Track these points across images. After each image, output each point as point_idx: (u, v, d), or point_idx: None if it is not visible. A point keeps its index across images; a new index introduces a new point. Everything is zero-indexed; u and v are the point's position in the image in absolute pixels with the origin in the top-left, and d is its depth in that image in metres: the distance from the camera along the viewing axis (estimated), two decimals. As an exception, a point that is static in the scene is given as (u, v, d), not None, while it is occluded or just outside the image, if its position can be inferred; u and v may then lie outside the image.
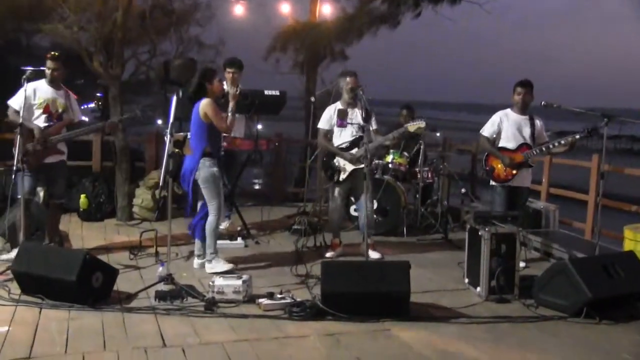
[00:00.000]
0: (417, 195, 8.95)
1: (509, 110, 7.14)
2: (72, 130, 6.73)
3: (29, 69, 6.56)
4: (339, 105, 7.19)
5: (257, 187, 12.60)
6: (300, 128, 12.54)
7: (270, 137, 10.30)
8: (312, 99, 9.20)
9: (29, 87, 6.50)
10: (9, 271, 5.85)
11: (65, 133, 6.67)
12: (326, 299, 5.30)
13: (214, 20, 11.29)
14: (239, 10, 12.55)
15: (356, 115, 7.06)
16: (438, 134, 9.99)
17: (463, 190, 9.41)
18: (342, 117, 6.79)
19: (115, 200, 8.96)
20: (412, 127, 6.98)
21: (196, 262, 6.73)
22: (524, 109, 7.07)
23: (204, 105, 6.31)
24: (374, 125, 7.18)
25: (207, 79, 6.40)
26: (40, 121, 6.58)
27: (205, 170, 6.38)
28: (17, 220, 6.40)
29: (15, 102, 6.50)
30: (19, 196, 6.37)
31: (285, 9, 13.32)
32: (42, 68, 6.82)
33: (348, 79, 7.15)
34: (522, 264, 6.93)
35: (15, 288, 5.64)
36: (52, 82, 6.69)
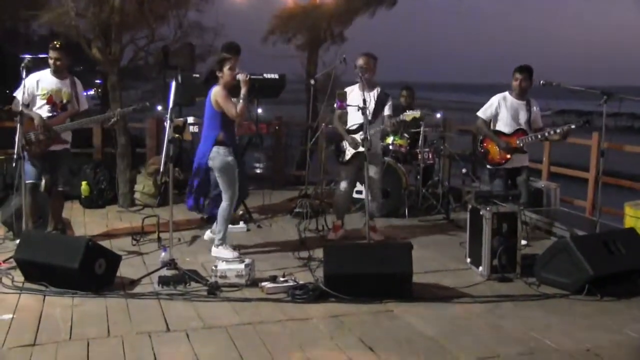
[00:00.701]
0: (418, 177, 8.95)
1: (507, 93, 7.13)
2: (77, 119, 6.72)
3: (28, 56, 6.50)
4: (356, 87, 7.15)
5: (258, 171, 12.58)
6: (302, 111, 12.53)
7: (271, 120, 10.27)
8: (312, 81, 9.16)
9: (32, 77, 6.49)
10: (12, 259, 5.86)
11: (70, 123, 6.65)
12: (329, 281, 5.33)
13: (212, 3, 11.20)
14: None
15: (370, 99, 7.02)
16: (438, 115, 9.96)
17: (464, 171, 9.40)
18: (341, 99, 6.75)
19: (116, 186, 8.96)
20: (408, 116, 7.00)
21: (207, 233, 6.83)
22: (521, 94, 7.06)
23: (214, 92, 6.31)
24: (387, 111, 7.16)
25: (219, 66, 6.36)
26: (43, 111, 6.53)
27: (220, 159, 6.34)
28: (20, 208, 6.39)
29: (21, 93, 6.47)
30: (27, 180, 6.43)
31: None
32: (40, 55, 6.79)
33: (360, 58, 7.11)
34: (523, 242, 6.96)
35: (18, 276, 5.66)
36: (56, 72, 6.64)
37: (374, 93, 7.12)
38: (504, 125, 7.07)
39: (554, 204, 8.42)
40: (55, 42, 6.67)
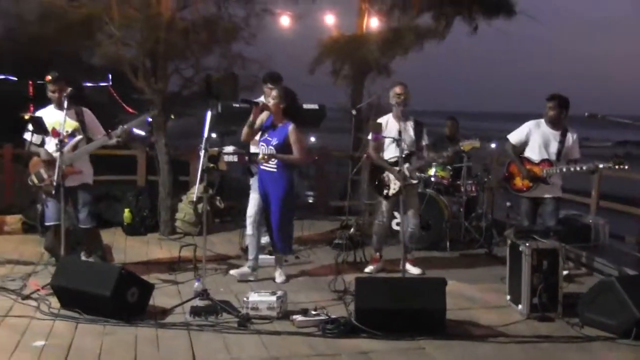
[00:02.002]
0: (461, 209, 8.79)
1: (541, 121, 6.98)
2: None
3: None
4: (390, 117, 7.09)
5: (310, 200, 12.52)
6: (348, 140, 12.47)
7: (311, 150, 10.26)
8: (354, 111, 9.13)
9: (42, 113, 6.57)
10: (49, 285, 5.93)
11: (75, 152, 6.52)
12: (360, 316, 5.22)
13: (259, 38, 11.28)
14: (285, 21, 12.52)
15: (408, 129, 6.96)
16: (493, 145, 9.82)
17: (508, 204, 9.18)
18: (376, 130, 6.69)
19: (158, 214, 9.04)
20: (466, 146, 6.85)
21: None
22: (555, 124, 6.90)
23: None
24: (425, 141, 7.09)
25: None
26: (51, 146, 6.47)
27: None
28: (55, 239, 6.45)
29: (27, 134, 6.52)
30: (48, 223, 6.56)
31: (329, 20, 13.28)
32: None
33: (395, 87, 7.08)
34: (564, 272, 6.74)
35: (55, 302, 5.71)
36: (57, 104, 6.57)
37: (410, 123, 7.03)
38: (532, 152, 6.96)
39: (602, 240, 8.14)
40: (48, 76, 6.57)
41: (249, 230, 6.92)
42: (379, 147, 7.14)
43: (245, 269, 6.79)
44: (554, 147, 6.87)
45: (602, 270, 7.23)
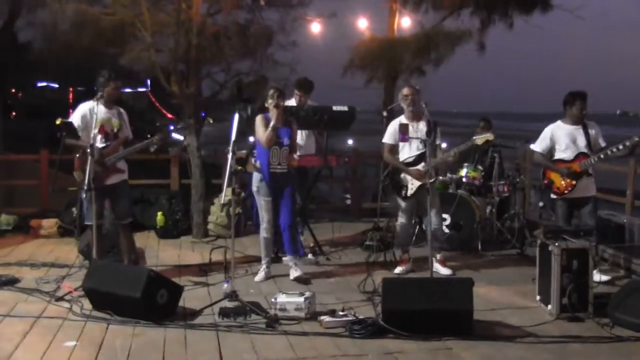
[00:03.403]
0: (493, 210, 8.71)
1: (559, 122, 6.95)
2: (127, 147, 6.76)
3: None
4: (402, 119, 7.10)
5: (348, 202, 12.54)
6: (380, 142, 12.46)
7: (340, 152, 10.28)
8: (385, 113, 9.10)
9: (85, 107, 6.61)
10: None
11: (121, 151, 6.65)
12: (387, 317, 5.22)
13: (293, 42, 11.33)
14: (315, 28, 12.56)
15: (420, 129, 6.96)
16: (532, 145, 9.72)
17: (541, 204, 9.08)
18: (404, 131, 6.70)
19: (191, 217, 9.14)
20: (479, 140, 6.82)
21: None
22: (579, 121, 6.84)
23: None
24: (438, 140, 7.07)
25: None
26: (97, 142, 6.53)
27: (253, 184, 6.92)
28: (91, 240, 6.57)
29: (75, 122, 6.62)
30: (86, 221, 6.59)
31: (362, 24, 13.30)
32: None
33: (403, 89, 7.12)
34: (605, 277, 6.63)
35: (87, 304, 5.83)
36: (108, 102, 6.66)
37: (423, 122, 7.02)
38: (562, 152, 6.88)
39: (638, 240, 7.98)
40: (107, 72, 6.67)
41: (267, 234, 6.88)
42: (395, 149, 7.14)
43: (262, 273, 6.86)
44: (581, 140, 6.81)
45: (636, 270, 7.11)
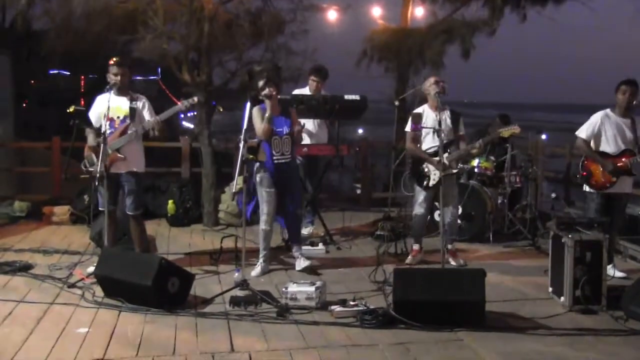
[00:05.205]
0: (505, 200, 8.67)
1: (609, 110, 6.66)
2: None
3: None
4: (426, 107, 7.04)
5: (358, 191, 12.51)
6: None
7: (352, 141, 10.25)
8: (396, 102, 9.07)
9: (96, 102, 6.61)
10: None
11: (119, 138, 6.43)
12: (398, 307, 5.21)
13: (306, 31, 11.28)
14: (332, 15, 12.48)
15: (445, 119, 6.89)
16: (543, 137, 9.66)
17: (553, 195, 9.03)
18: (416, 121, 6.66)
19: (201, 205, 9.14)
20: (505, 132, 6.77)
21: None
22: (627, 111, 6.60)
23: None
24: (462, 131, 7.01)
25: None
26: (103, 129, 6.38)
27: (256, 175, 6.76)
28: (103, 228, 6.57)
29: (91, 115, 6.62)
30: (100, 208, 6.56)
31: (376, 12, 13.24)
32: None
33: (431, 77, 7.01)
34: (619, 274, 6.57)
35: (99, 291, 5.85)
36: (117, 89, 6.50)
37: (447, 112, 6.96)
38: (607, 145, 6.62)
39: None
40: (116, 59, 6.56)
41: (267, 226, 6.72)
42: (417, 139, 7.08)
43: (258, 268, 6.71)
44: (629, 135, 6.57)
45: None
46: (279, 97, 6.69)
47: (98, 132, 6.42)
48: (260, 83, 6.52)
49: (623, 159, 6.53)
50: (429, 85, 6.92)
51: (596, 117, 6.68)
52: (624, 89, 6.54)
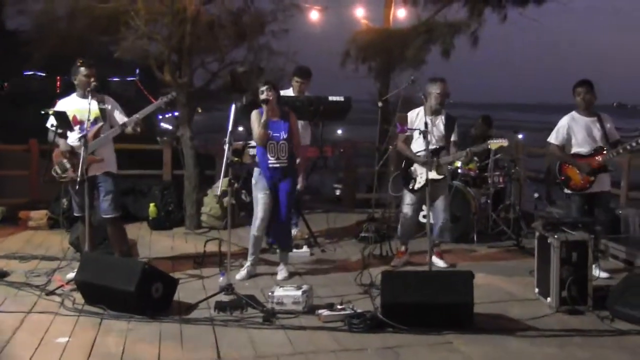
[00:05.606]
0: (488, 201, 8.66)
1: (574, 113, 6.79)
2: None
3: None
4: (422, 109, 6.98)
5: (337, 192, 12.47)
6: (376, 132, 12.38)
7: (336, 143, 10.20)
8: (380, 103, 9.01)
9: (62, 104, 6.43)
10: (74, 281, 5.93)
11: (95, 140, 6.27)
12: (386, 310, 5.15)
13: (287, 31, 11.21)
14: (314, 15, 12.43)
15: (439, 123, 6.88)
16: (520, 136, 9.66)
17: (536, 195, 9.04)
18: (402, 122, 6.61)
19: (184, 208, 9.03)
20: (494, 144, 6.75)
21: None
22: (589, 110, 6.71)
23: None
24: (453, 137, 6.99)
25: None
26: (74, 134, 6.33)
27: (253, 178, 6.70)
28: (81, 233, 6.44)
29: (49, 122, 6.40)
30: (76, 214, 6.46)
31: (359, 13, 13.21)
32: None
33: (437, 84, 6.94)
34: (604, 274, 6.58)
35: (80, 298, 5.70)
36: (83, 91, 6.36)
37: (442, 117, 6.92)
38: (579, 146, 6.71)
39: (633, 231, 7.94)
40: (84, 60, 6.41)
41: (258, 232, 6.61)
42: (409, 140, 7.04)
43: (244, 271, 6.62)
44: (597, 133, 6.66)
45: (634, 262, 7.07)
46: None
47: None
48: (260, 87, 6.38)
49: (597, 158, 6.60)
50: (431, 93, 6.91)
51: (563, 122, 6.80)
52: (579, 90, 6.69)
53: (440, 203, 6.94)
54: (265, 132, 6.38)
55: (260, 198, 6.57)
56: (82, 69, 6.36)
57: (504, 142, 6.76)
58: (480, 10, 12.60)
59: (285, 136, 6.45)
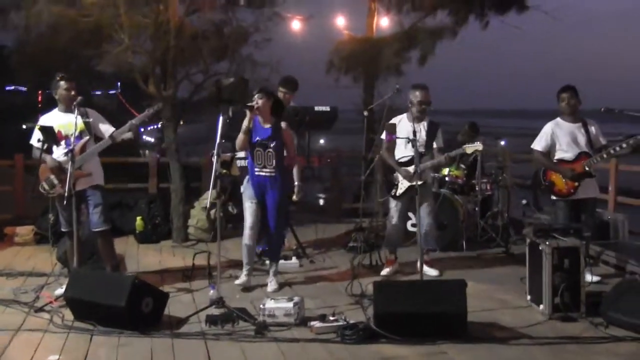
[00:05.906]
0: (476, 208, 8.67)
1: (559, 119, 6.80)
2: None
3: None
4: (405, 117, 6.99)
5: (321, 202, 12.45)
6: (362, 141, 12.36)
7: (322, 153, 10.19)
8: (365, 112, 9.00)
9: (45, 120, 6.37)
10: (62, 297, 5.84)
11: (83, 154, 6.22)
12: (379, 321, 5.12)
13: (270, 41, 11.21)
14: (295, 25, 12.42)
15: (421, 130, 6.87)
16: (502, 143, 9.68)
17: (524, 202, 9.06)
18: (390, 131, 6.61)
19: (170, 221, 8.96)
20: (469, 149, 6.72)
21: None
22: (573, 115, 6.72)
23: None
24: (438, 143, 6.99)
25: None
26: (60, 149, 6.29)
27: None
28: (69, 248, 6.36)
29: (34, 139, 6.37)
30: (63, 229, 6.39)
31: (340, 21, 13.20)
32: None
33: (418, 92, 6.93)
34: (595, 278, 6.56)
35: (69, 314, 5.62)
36: (65, 106, 6.33)
37: (424, 124, 6.93)
38: (563, 152, 6.72)
39: (622, 236, 7.98)
40: (63, 74, 6.37)
41: (249, 241, 6.57)
42: (392, 148, 7.04)
43: (244, 277, 6.63)
44: (581, 139, 6.66)
45: (624, 267, 7.08)
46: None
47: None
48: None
49: (581, 163, 6.60)
50: (414, 100, 6.91)
51: (547, 128, 6.81)
52: (564, 96, 6.71)
53: (423, 208, 6.89)
54: (245, 137, 6.37)
55: (247, 207, 6.57)
56: (62, 82, 6.32)
57: (479, 146, 6.75)
58: (463, 17, 12.63)
59: (274, 145, 6.38)
